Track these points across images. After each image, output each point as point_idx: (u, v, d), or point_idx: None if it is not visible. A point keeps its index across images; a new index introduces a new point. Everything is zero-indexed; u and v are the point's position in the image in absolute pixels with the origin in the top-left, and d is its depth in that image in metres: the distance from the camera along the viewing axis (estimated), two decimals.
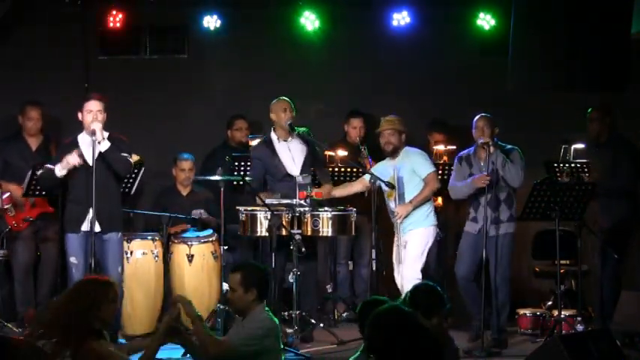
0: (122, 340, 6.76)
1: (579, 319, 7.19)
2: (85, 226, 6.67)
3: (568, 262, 7.87)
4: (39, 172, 6.96)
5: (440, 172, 7.66)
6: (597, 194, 7.26)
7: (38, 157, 7.77)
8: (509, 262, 7.16)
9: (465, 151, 7.33)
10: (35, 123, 7.91)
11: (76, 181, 6.79)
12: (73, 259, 6.72)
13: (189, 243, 7.57)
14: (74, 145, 6.84)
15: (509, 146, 7.18)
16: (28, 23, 8.81)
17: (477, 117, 7.17)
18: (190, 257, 7.47)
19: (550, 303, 7.87)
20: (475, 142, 7.18)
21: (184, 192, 8.17)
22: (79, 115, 6.79)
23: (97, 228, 6.65)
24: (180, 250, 7.57)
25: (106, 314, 4.44)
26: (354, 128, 8.44)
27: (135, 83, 8.94)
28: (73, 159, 6.65)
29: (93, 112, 6.72)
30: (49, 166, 6.83)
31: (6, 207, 7.55)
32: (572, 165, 7.66)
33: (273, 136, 7.50)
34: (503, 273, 7.06)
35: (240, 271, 4.90)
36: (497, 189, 7.00)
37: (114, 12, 8.67)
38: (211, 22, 8.82)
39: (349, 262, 8.54)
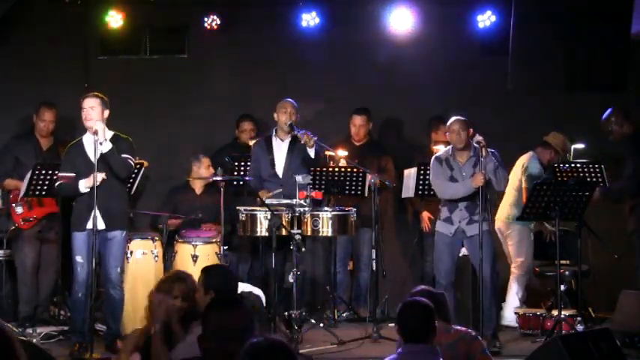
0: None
1: (579, 319, 7.19)
2: (90, 224, 6.67)
3: (568, 262, 7.87)
4: (58, 184, 6.89)
5: None
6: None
7: (48, 157, 7.78)
8: (494, 259, 7.15)
9: (443, 153, 7.27)
10: (47, 125, 7.89)
11: None
12: (78, 258, 6.76)
13: (194, 243, 7.55)
14: (79, 147, 6.88)
15: (488, 149, 7.15)
16: (28, 23, 8.81)
17: (451, 120, 7.09)
18: (195, 258, 7.45)
19: (550, 303, 7.87)
20: (452, 145, 7.14)
21: (198, 191, 8.19)
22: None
23: (102, 225, 6.70)
24: (184, 250, 7.55)
25: None
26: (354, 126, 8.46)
27: (135, 83, 8.94)
28: (98, 178, 6.61)
29: (85, 109, 6.79)
30: (65, 174, 6.81)
31: (14, 204, 7.56)
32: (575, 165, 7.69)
33: (274, 135, 7.67)
34: (491, 271, 7.03)
35: (204, 273, 4.96)
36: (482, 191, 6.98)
37: (114, 12, 8.66)
38: (211, 22, 8.82)
39: (349, 262, 8.55)
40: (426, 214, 8.33)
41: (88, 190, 6.66)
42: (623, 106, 7.79)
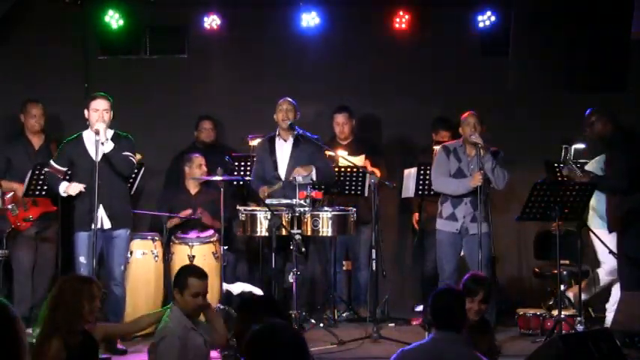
0: (120, 346, 6.75)
1: (579, 319, 7.19)
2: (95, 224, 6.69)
3: (568, 262, 7.87)
4: (45, 171, 7.00)
5: None
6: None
7: (40, 156, 7.77)
8: (492, 261, 7.17)
9: (452, 144, 7.30)
10: (38, 120, 7.89)
11: (83, 180, 6.81)
12: (82, 259, 6.78)
13: (191, 244, 7.55)
14: (79, 143, 6.89)
15: (492, 148, 7.16)
16: (28, 23, 8.81)
17: (466, 113, 7.16)
18: (192, 258, 7.44)
19: (550, 303, 7.87)
20: (462, 137, 7.18)
21: (193, 191, 8.17)
22: (85, 112, 6.82)
23: (108, 224, 6.74)
24: (181, 251, 7.55)
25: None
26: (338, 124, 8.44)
27: (135, 83, 8.94)
28: (74, 189, 6.75)
29: (99, 111, 6.77)
30: (57, 167, 6.89)
31: (9, 206, 7.56)
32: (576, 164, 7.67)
33: (277, 135, 7.62)
34: (488, 272, 7.03)
35: None
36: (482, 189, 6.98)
37: (114, 12, 8.66)
38: (211, 22, 8.82)
39: (348, 262, 8.55)
40: (416, 215, 8.33)
41: (65, 195, 6.81)
42: (623, 106, 7.80)
